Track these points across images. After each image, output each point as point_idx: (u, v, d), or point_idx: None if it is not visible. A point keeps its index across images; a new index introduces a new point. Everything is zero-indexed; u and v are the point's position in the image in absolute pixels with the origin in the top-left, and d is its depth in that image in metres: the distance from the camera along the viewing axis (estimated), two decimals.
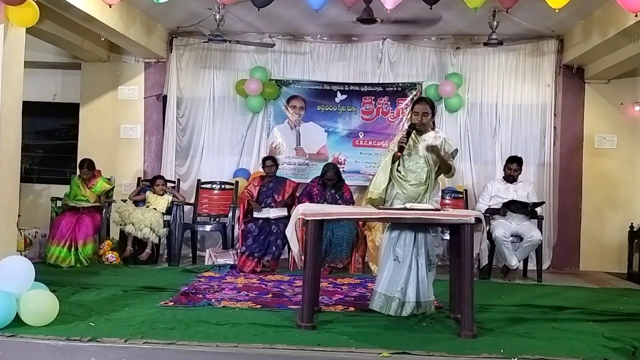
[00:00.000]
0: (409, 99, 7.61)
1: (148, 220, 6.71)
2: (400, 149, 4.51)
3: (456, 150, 4.83)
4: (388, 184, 4.58)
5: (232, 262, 6.63)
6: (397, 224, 4.50)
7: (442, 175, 4.74)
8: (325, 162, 7.35)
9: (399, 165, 4.61)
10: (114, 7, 5.79)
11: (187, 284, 5.60)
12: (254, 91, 7.63)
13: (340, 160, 7.72)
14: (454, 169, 4.71)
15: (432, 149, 4.55)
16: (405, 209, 4.21)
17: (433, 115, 4.71)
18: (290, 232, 4.26)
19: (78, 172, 7.02)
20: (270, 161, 7.16)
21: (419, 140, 4.64)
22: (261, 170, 7.37)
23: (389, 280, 4.45)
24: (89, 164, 6.92)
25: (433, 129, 4.77)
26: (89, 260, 6.53)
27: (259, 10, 5.55)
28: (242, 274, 6.28)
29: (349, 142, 7.81)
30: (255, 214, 6.80)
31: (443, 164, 4.61)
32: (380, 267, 4.64)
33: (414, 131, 4.61)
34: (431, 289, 4.50)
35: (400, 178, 4.60)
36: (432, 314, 4.49)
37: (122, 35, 6.59)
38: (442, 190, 7.17)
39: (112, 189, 7.19)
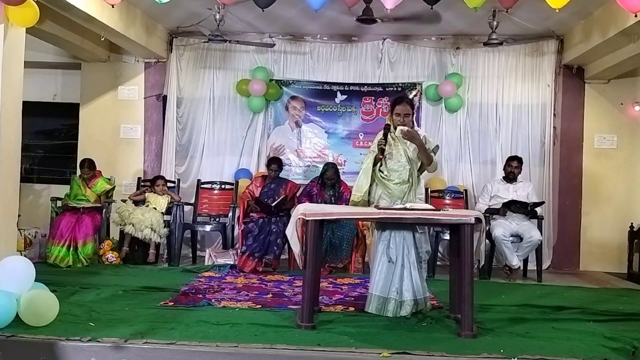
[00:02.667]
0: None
1: (148, 220, 6.71)
2: (381, 151, 4.53)
3: (437, 146, 4.82)
4: (371, 185, 4.62)
5: (232, 262, 6.63)
6: (386, 225, 4.52)
7: (425, 172, 4.76)
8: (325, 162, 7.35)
9: (381, 165, 4.63)
10: (114, 7, 5.78)
11: (187, 284, 5.60)
12: (258, 92, 7.62)
13: (340, 162, 7.72)
14: (436, 162, 4.72)
15: (408, 133, 4.51)
16: (406, 208, 4.21)
17: (413, 114, 4.74)
18: (291, 232, 4.26)
19: (79, 172, 7.03)
20: (276, 166, 7.03)
21: (398, 139, 4.64)
22: (262, 170, 7.35)
23: (383, 282, 4.48)
24: (89, 164, 6.93)
25: (412, 127, 4.76)
26: (88, 260, 6.54)
27: (262, 10, 5.56)
28: (242, 274, 6.27)
29: (349, 143, 7.82)
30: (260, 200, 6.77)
31: (423, 152, 4.57)
32: (371, 268, 4.66)
33: (392, 131, 4.62)
34: (425, 285, 4.56)
35: (384, 178, 4.62)
36: (431, 312, 4.53)
37: (122, 35, 6.59)
38: (442, 190, 7.29)
39: (113, 189, 7.19)
